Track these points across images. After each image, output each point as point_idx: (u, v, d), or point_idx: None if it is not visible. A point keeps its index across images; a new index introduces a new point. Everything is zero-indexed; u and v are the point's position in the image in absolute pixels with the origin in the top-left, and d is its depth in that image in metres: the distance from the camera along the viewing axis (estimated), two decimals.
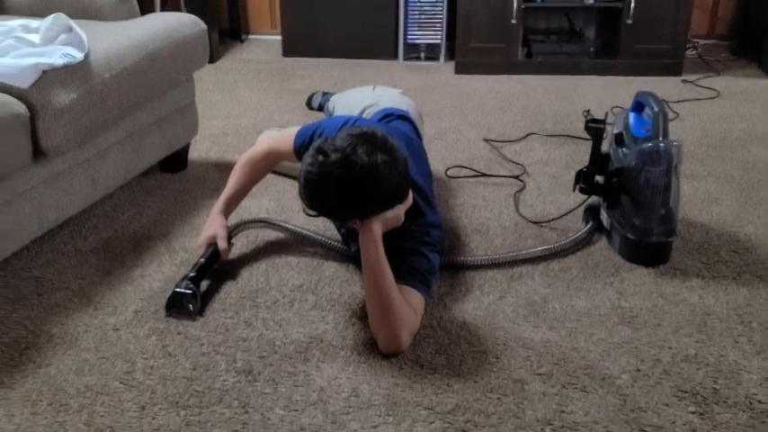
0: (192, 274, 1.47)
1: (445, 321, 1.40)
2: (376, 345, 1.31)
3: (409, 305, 1.33)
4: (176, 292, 1.43)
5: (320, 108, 2.65)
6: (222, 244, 1.55)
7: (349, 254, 1.61)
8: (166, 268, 1.60)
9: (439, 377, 1.24)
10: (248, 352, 1.31)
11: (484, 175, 2.10)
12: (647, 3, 3.08)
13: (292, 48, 3.54)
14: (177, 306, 1.42)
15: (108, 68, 1.59)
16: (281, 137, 1.58)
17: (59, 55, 1.47)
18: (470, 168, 2.14)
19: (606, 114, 1.72)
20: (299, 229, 1.64)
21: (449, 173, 2.12)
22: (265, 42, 3.88)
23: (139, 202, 1.93)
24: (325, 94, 2.66)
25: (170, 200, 1.95)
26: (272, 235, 1.75)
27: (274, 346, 1.33)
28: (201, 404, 1.18)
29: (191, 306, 1.41)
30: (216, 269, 1.57)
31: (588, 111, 1.72)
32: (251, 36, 4.00)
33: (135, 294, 1.50)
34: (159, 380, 1.24)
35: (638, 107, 1.68)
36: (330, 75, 3.25)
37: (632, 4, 3.07)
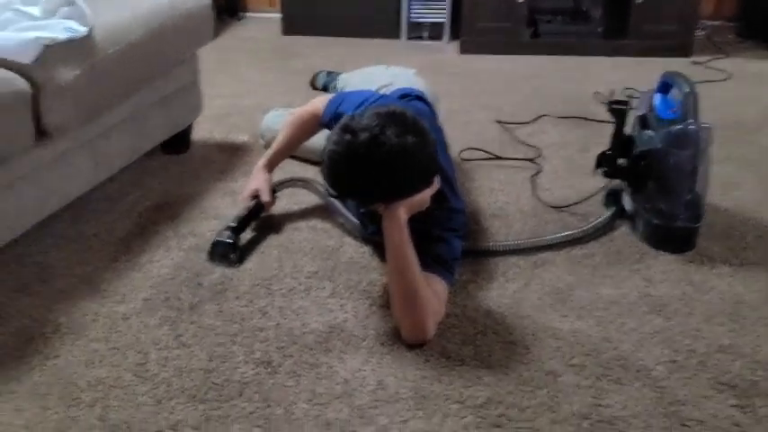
0: (233, 225, 1.52)
1: (470, 310, 1.36)
2: (399, 334, 1.27)
3: (434, 293, 1.28)
4: (218, 240, 1.49)
5: (325, 88, 2.58)
6: (265, 197, 1.60)
7: (364, 235, 1.56)
8: (175, 254, 1.54)
9: (468, 369, 1.20)
10: (266, 342, 1.26)
11: (498, 157, 2.05)
12: None
13: (292, 26, 3.46)
14: (218, 254, 1.48)
15: (112, 43, 1.52)
16: (324, 99, 1.57)
17: (62, 29, 1.39)
18: (484, 151, 2.09)
19: (618, 94, 1.67)
20: (333, 200, 1.61)
21: (462, 155, 2.07)
22: (263, 20, 3.78)
23: (143, 185, 1.87)
24: (329, 73, 2.60)
25: (175, 182, 1.89)
26: (279, 217, 1.70)
27: (293, 336, 1.28)
28: (221, 398, 1.13)
29: (231, 255, 1.48)
30: (258, 222, 1.62)
31: (612, 91, 1.66)
32: (248, 14, 3.90)
33: (143, 281, 1.44)
34: (174, 372, 1.19)
35: (665, 88, 1.62)
36: (332, 54, 3.17)
37: None
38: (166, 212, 1.72)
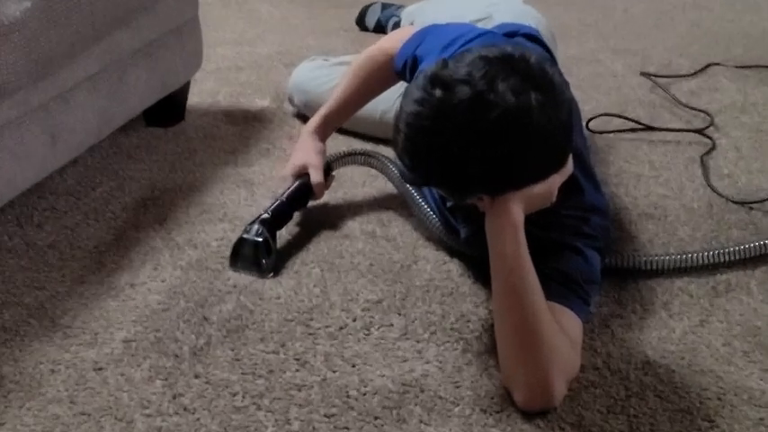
0: (266, 216, 1.54)
1: (617, 360, 1.30)
2: (510, 397, 1.22)
3: (564, 333, 1.24)
4: (244, 239, 1.53)
5: (379, 28, 2.60)
6: (316, 176, 1.61)
7: (451, 243, 1.54)
8: (168, 273, 1.53)
9: None
10: (308, 407, 1.22)
11: (648, 128, 2.02)
12: None
13: None
14: (244, 259, 1.52)
15: None
16: (403, 33, 1.59)
17: None
18: (625, 118, 2.06)
19: None
20: (410, 188, 1.60)
21: (591, 125, 2.03)
22: None
23: (118, 172, 1.88)
24: (386, 6, 2.63)
25: (164, 168, 1.90)
26: (322, 216, 1.69)
27: (347, 398, 1.24)
28: None
29: (262, 260, 1.51)
30: (305, 212, 1.67)
31: None
32: None
33: (123, 314, 1.43)
34: None
35: None
36: None
37: None
38: (153, 212, 1.72)
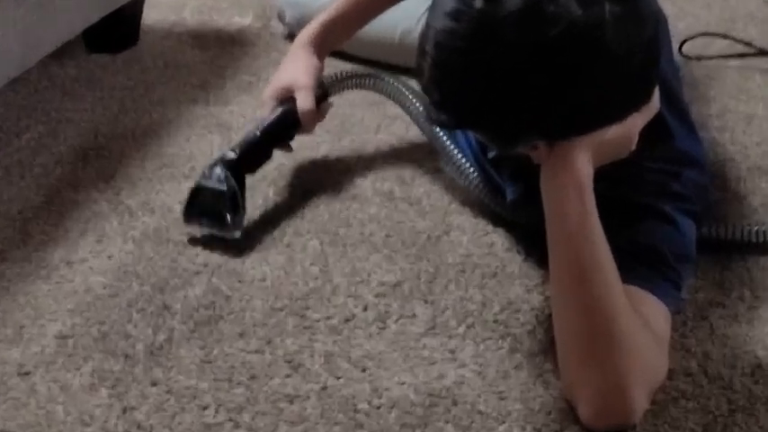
0: (231, 156, 1.54)
1: (717, 363, 1.28)
2: (572, 411, 1.20)
3: (647, 326, 1.21)
4: (202, 186, 1.52)
5: None
6: (304, 101, 1.60)
7: (498, 207, 1.55)
8: (115, 247, 1.53)
9: None
10: (302, 424, 1.19)
11: (763, 53, 2.02)
12: None
13: None
14: (201, 211, 1.52)
15: None
16: None
17: None
18: (732, 39, 2.07)
19: None
20: (439, 133, 1.58)
21: (686, 48, 2.04)
22: None
23: (50, 113, 1.89)
24: None
25: (111, 108, 1.91)
26: (325, 165, 1.72)
27: (355, 412, 1.21)
28: None
29: (227, 214, 1.50)
30: (303, 169, 1.69)
31: None
32: None
33: (57, 301, 1.41)
34: None
35: None
36: None
37: None
38: (96, 166, 1.73)
